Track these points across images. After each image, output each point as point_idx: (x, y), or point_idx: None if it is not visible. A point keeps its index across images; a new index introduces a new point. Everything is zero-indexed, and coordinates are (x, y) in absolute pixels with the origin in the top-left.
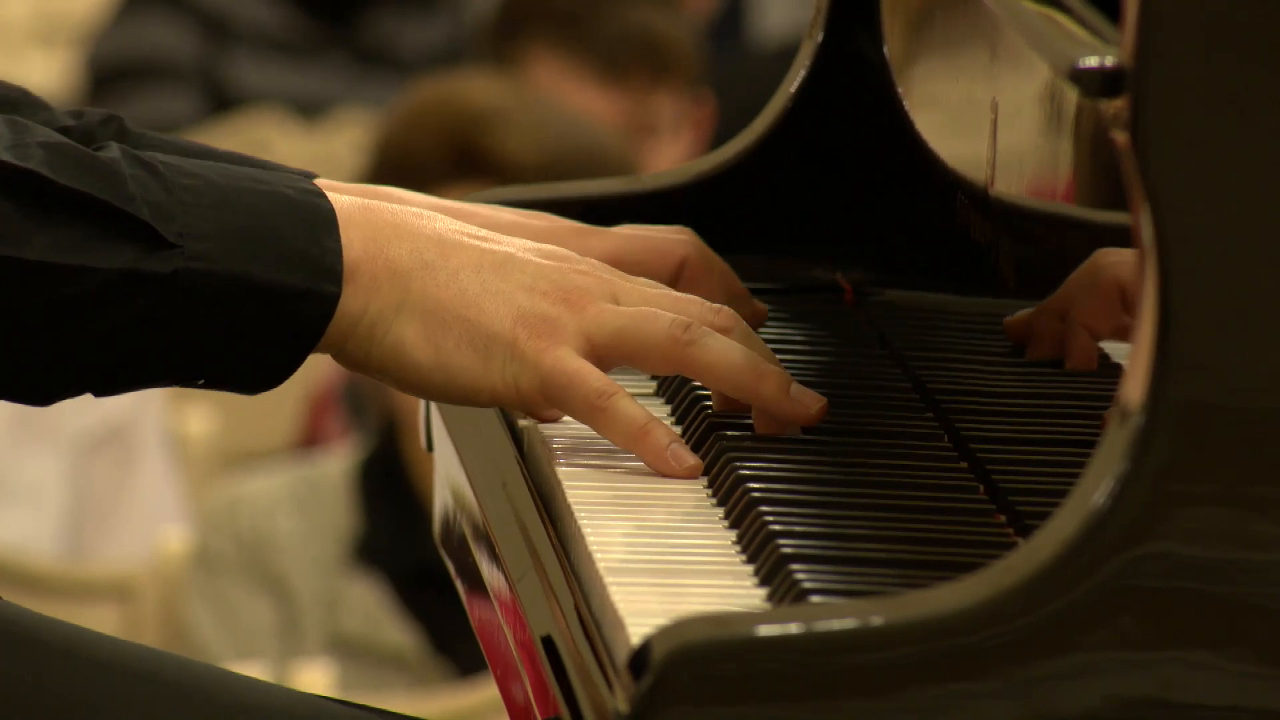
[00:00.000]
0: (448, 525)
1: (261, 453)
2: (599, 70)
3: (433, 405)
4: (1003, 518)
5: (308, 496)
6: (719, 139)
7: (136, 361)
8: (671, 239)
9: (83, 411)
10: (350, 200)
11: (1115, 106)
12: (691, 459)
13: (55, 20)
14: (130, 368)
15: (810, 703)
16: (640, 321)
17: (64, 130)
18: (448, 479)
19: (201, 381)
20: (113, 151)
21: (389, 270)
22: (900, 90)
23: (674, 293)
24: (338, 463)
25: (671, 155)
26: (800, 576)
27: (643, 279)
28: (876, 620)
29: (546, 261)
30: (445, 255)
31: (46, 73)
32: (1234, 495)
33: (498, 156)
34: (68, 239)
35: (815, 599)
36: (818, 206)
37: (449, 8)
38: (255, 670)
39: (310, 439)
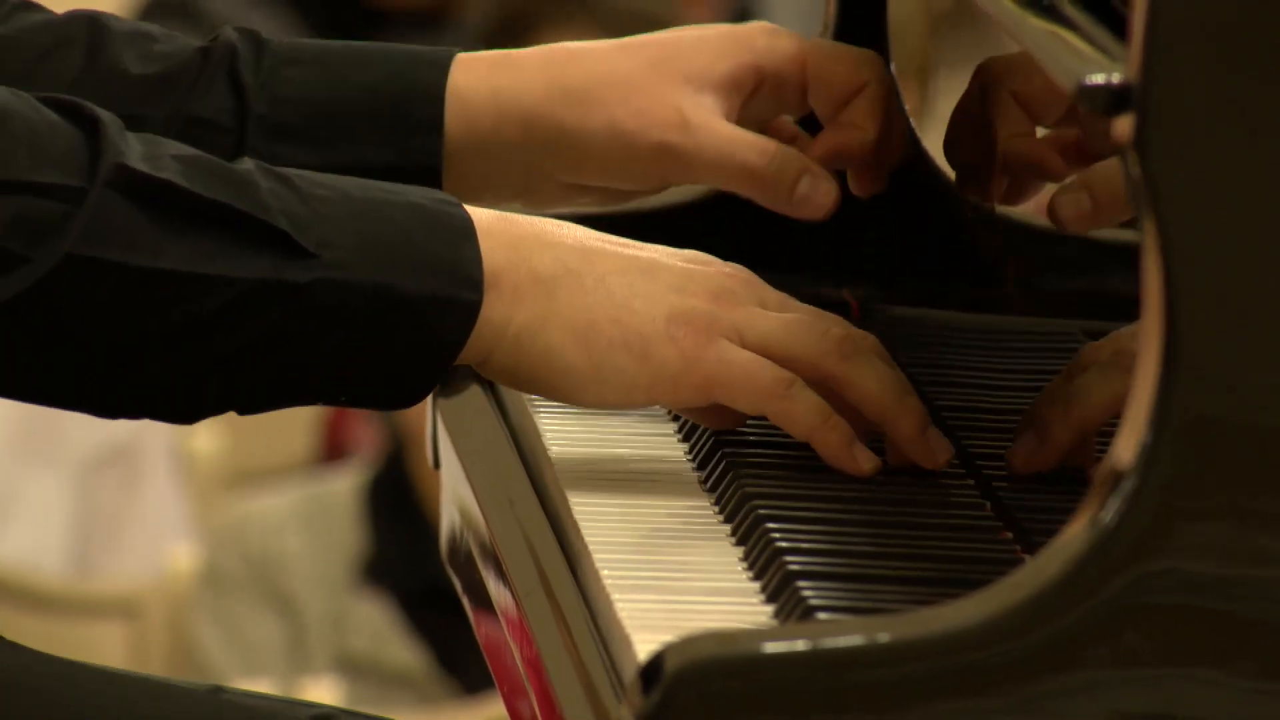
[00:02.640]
0: (454, 543)
1: (269, 471)
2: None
3: (439, 423)
4: (1009, 534)
5: (316, 515)
6: None
7: (277, 375)
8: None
9: (89, 429)
10: (488, 211)
11: (1122, 123)
12: (873, 460)
13: None
14: (271, 382)
15: (817, 719)
16: (795, 328)
17: (202, 51)
18: (455, 496)
19: (344, 398)
20: (246, 164)
21: (532, 278)
22: (907, 106)
23: (819, 310)
24: (346, 481)
25: None
26: (807, 593)
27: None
28: (883, 637)
29: (692, 265)
30: (590, 262)
31: None
32: (1240, 511)
33: None
34: (203, 249)
35: (822, 616)
36: (824, 224)
37: (456, 31)
38: (262, 688)
39: (331, 453)
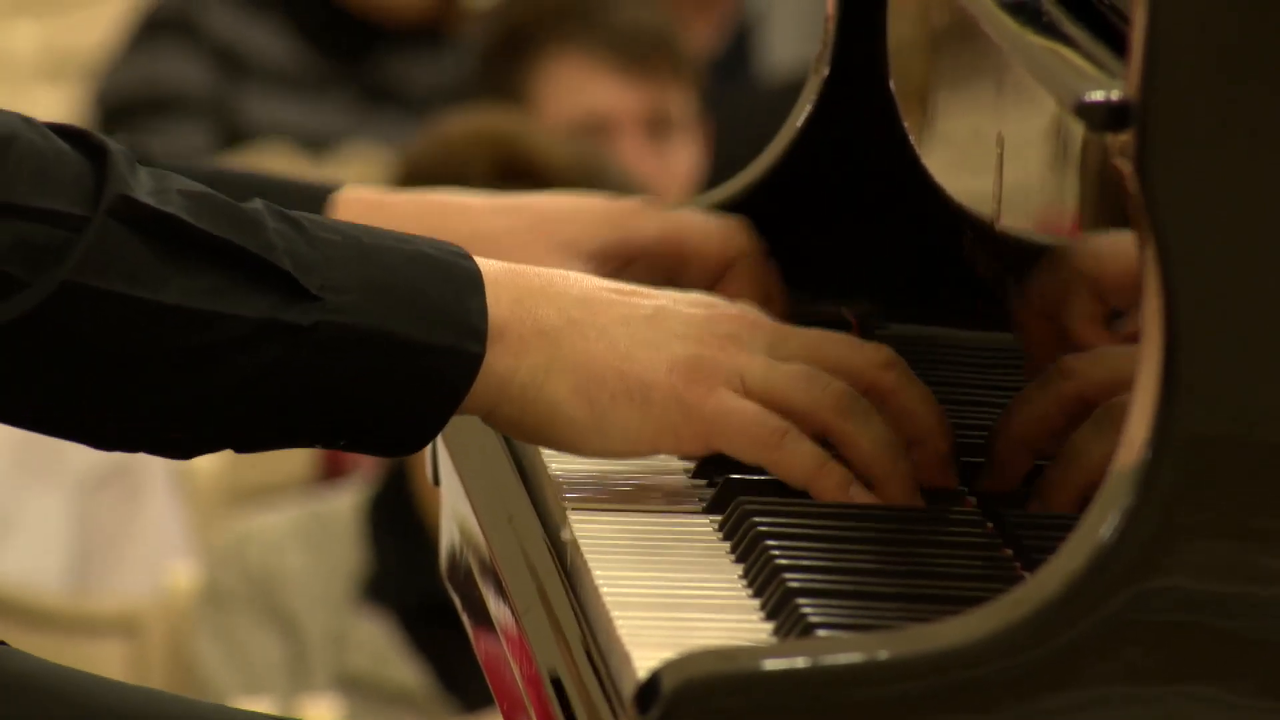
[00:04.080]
0: (454, 560)
1: (270, 488)
2: (618, 62)
3: (439, 440)
4: (1009, 551)
5: (316, 532)
6: (724, 173)
7: (274, 416)
8: (732, 227)
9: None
10: (496, 264)
11: (1121, 140)
12: (871, 499)
13: (63, 55)
14: (268, 422)
15: None
16: (798, 378)
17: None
18: (454, 514)
19: (343, 443)
20: (255, 204)
21: (536, 330)
22: (906, 124)
23: (830, 334)
24: (347, 499)
25: (685, 153)
26: (807, 611)
27: (794, 328)
28: (883, 654)
29: (696, 310)
30: (593, 312)
31: (54, 108)
32: (1240, 529)
33: (536, 158)
34: (207, 285)
35: (822, 633)
36: (823, 240)
37: (456, 47)
38: (263, 707)
39: (331, 471)
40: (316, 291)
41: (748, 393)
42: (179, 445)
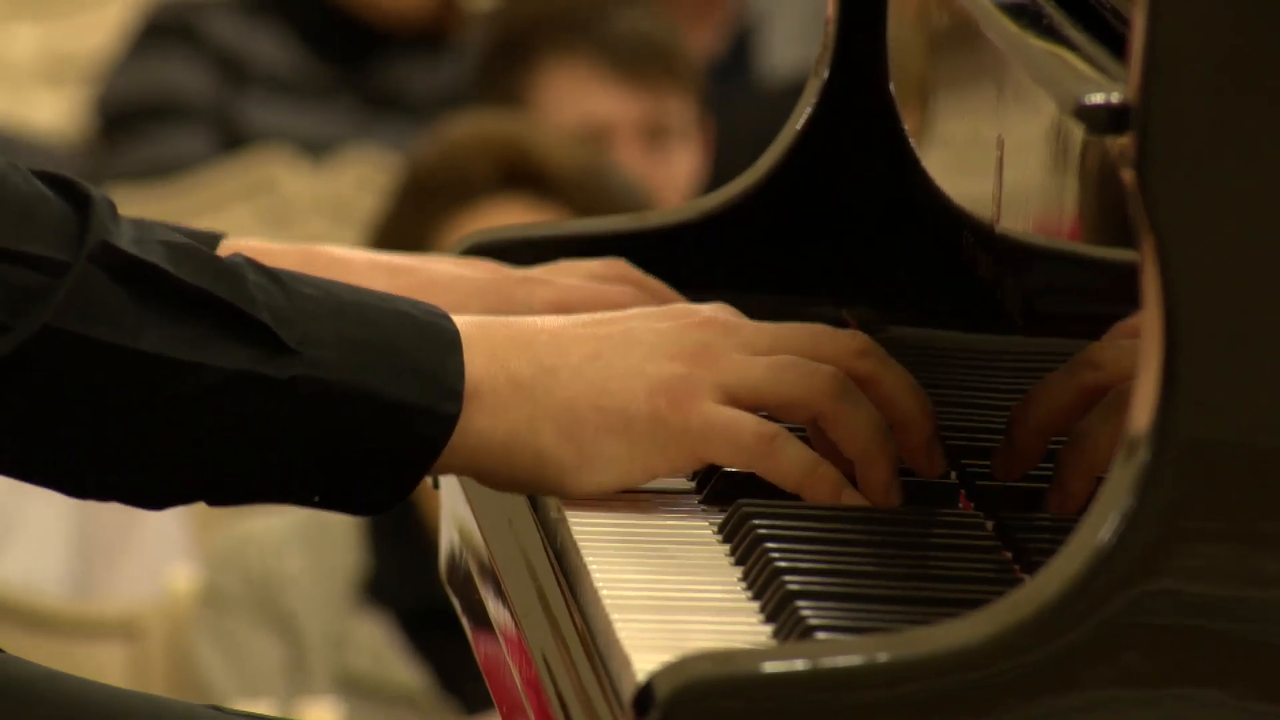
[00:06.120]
0: (453, 562)
1: None
2: (617, 70)
3: None
4: (1009, 554)
5: (316, 535)
6: (725, 176)
7: (248, 469)
8: (615, 292)
9: None
10: (467, 319)
11: (1121, 143)
12: (860, 500)
13: (63, 59)
14: (242, 476)
15: None
16: (784, 372)
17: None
18: (453, 516)
19: (316, 499)
20: (236, 258)
21: (512, 384)
22: (906, 127)
23: (803, 325)
24: None
25: (683, 160)
26: (806, 613)
27: (767, 324)
28: (882, 657)
29: (663, 324)
30: (564, 354)
31: (54, 112)
32: (1240, 532)
33: (541, 162)
34: (184, 335)
35: (821, 635)
36: (823, 243)
37: (456, 52)
38: (263, 709)
39: None
40: (295, 345)
41: (732, 399)
42: (153, 495)
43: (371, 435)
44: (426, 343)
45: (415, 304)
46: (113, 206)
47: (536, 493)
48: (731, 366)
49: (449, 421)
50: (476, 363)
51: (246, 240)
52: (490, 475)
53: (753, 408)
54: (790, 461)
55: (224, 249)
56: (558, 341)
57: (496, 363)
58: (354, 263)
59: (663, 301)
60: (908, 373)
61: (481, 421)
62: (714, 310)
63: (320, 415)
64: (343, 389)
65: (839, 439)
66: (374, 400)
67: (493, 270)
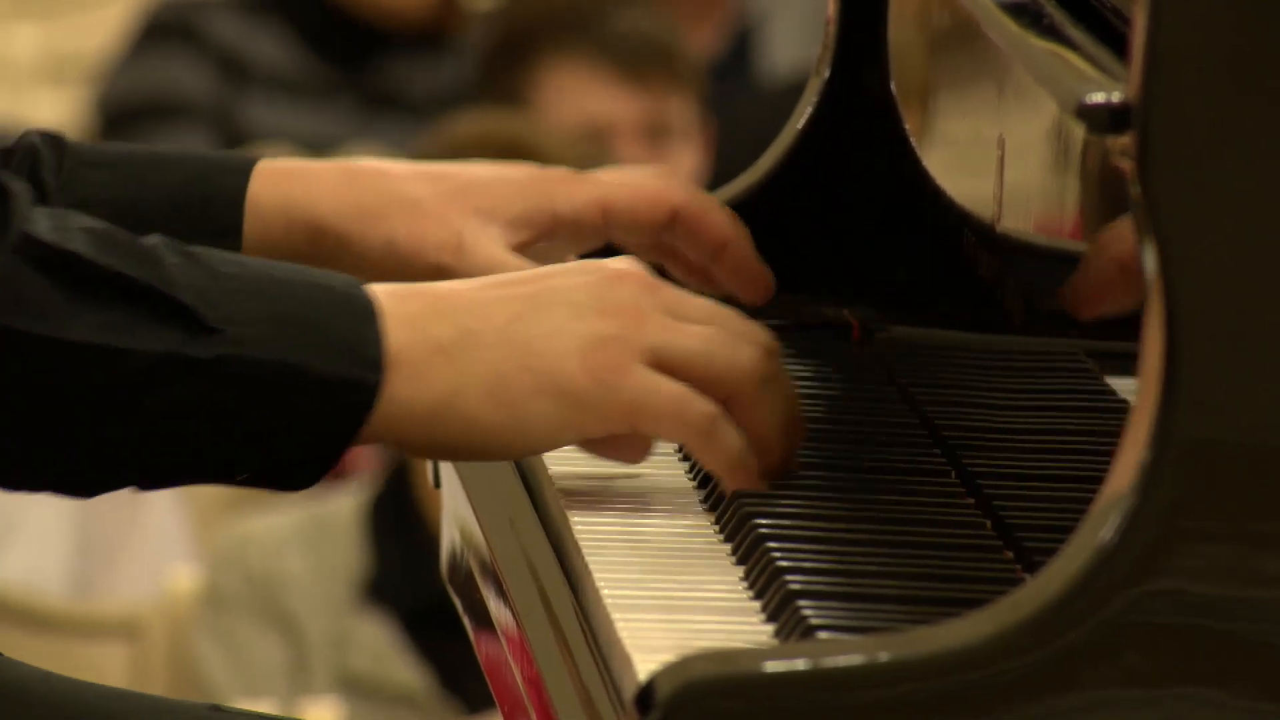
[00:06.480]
0: (455, 562)
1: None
2: (618, 70)
3: None
4: (1010, 554)
5: (317, 535)
6: (726, 175)
7: (177, 450)
8: (661, 185)
9: None
10: (384, 287)
11: (1122, 143)
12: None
13: (64, 58)
14: (171, 457)
15: None
16: (715, 347)
17: (3, 153)
18: (455, 516)
19: (244, 478)
20: (154, 239)
21: (434, 350)
22: (907, 126)
23: (713, 304)
24: (347, 501)
25: (685, 160)
26: (807, 613)
27: (684, 292)
28: (883, 656)
29: (584, 279)
30: (485, 317)
31: (55, 112)
32: (1241, 532)
33: (543, 161)
34: (110, 321)
35: (822, 635)
36: (824, 243)
37: (457, 52)
38: (264, 709)
39: (332, 472)
40: (217, 324)
41: (662, 363)
42: (84, 484)
43: (297, 410)
44: (344, 314)
45: (333, 275)
46: (31, 195)
47: (466, 459)
48: (660, 329)
49: (371, 392)
50: (397, 331)
51: (284, 160)
52: (416, 444)
53: (679, 376)
54: (727, 445)
55: (263, 169)
56: (477, 304)
57: (415, 330)
58: (393, 173)
59: (702, 210)
60: (792, 405)
61: (404, 390)
62: (625, 264)
63: (246, 393)
64: (267, 365)
65: (748, 421)
66: (298, 375)
67: (533, 170)
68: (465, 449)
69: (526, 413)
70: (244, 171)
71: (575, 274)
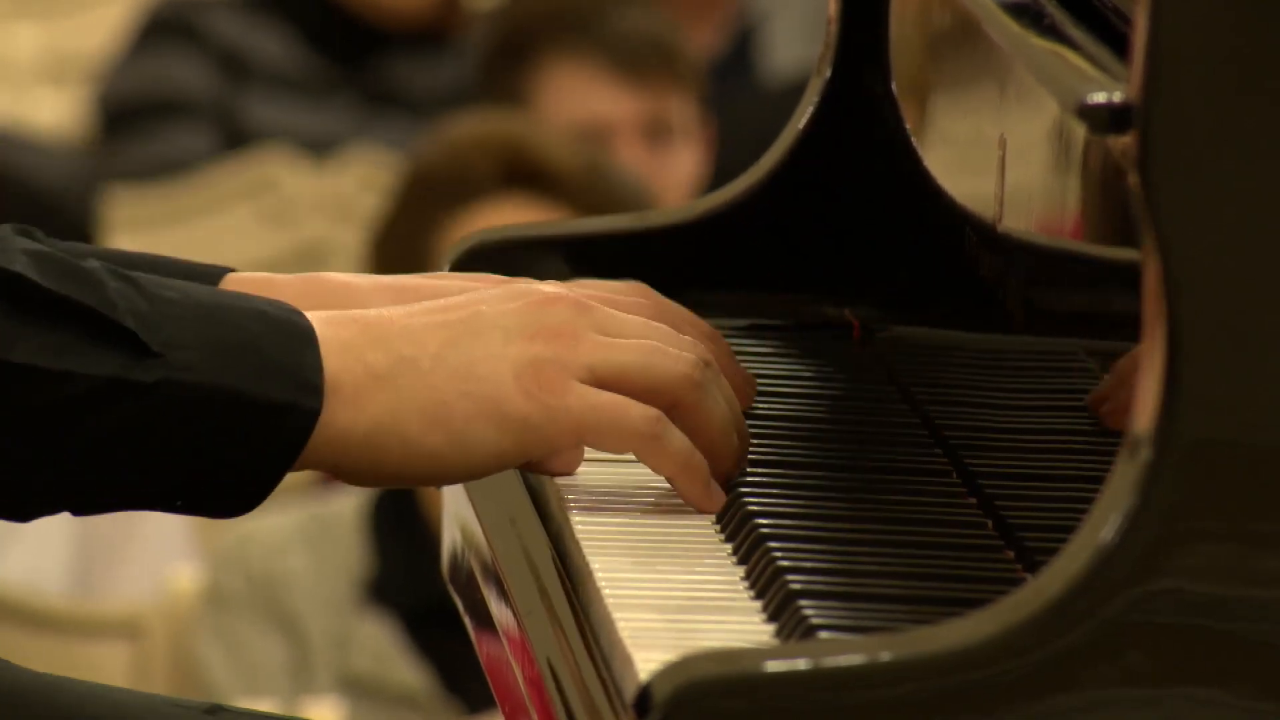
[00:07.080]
0: (456, 562)
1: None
2: (618, 70)
3: None
4: (1011, 554)
5: (319, 534)
6: (727, 175)
7: (116, 475)
8: (629, 305)
9: None
10: (319, 314)
11: (1123, 142)
12: (723, 499)
13: (65, 58)
14: (109, 482)
15: None
16: (649, 357)
17: None
18: (456, 516)
19: (180, 503)
20: (92, 263)
21: (370, 376)
22: (908, 126)
23: (645, 321)
24: (349, 501)
25: (685, 160)
26: (808, 612)
27: (612, 310)
28: (885, 656)
29: (511, 304)
30: (419, 343)
31: (56, 111)
32: (1242, 532)
33: (543, 161)
34: (54, 343)
35: (823, 635)
36: (825, 243)
37: (458, 51)
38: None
39: None
40: (159, 349)
41: (598, 380)
42: (20, 508)
43: (236, 435)
44: (283, 339)
45: (271, 302)
46: None
47: (405, 483)
48: (595, 347)
49: (310, 417)
50: (333, 358)
51: (250, 274)
52: (353, 470)
53: (617, 390)
54: (674, 449)
55: (227, 283)
56: (411, 331)
57: (351, 355)
58: (357, 286)
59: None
60: (732, 410)
61: (343, 415)
62: (556, 288)
63: (186, 417)
64: (207, 390)
65: (692, 427)
66: (238, 400)
67: (501, 284)
68: (408, 474)
69: (466, 437)
70: (213, 281)
71: (507, 300)
